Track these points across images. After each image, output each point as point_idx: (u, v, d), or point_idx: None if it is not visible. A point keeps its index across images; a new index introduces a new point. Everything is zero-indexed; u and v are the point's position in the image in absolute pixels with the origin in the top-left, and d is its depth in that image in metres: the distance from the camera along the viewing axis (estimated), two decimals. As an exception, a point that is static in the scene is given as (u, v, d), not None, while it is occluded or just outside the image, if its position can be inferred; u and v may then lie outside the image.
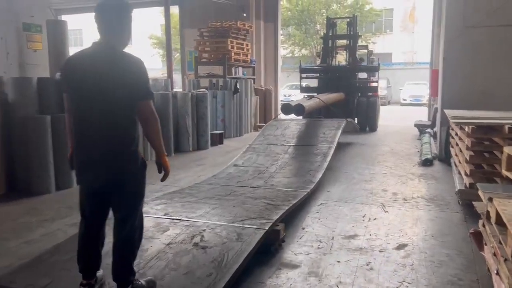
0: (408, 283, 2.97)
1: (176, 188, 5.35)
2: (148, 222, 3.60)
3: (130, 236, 2.56)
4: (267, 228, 3.45)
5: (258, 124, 12.51)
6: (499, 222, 2.40)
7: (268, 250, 3.45)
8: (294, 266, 3.27)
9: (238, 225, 3.58)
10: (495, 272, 2.58)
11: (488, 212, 2.88)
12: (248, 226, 3.54)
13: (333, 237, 3.86)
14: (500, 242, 2.44)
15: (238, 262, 2.92)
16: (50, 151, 5.38)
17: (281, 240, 3.62)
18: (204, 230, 3.51)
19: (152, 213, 3.95)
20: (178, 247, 3.22)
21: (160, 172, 2.62)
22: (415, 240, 3.78)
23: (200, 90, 9.88)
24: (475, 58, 6.90)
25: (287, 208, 4.05)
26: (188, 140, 8.61)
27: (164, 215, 3.91)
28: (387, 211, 4.61)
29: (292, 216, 4.20)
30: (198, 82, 11.51)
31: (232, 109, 10.79)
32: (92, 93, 2.42)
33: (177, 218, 3.82)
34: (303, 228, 4.10)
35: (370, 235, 3.92)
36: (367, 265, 3.27)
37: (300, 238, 3.85)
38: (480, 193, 3.20)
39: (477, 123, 4.36)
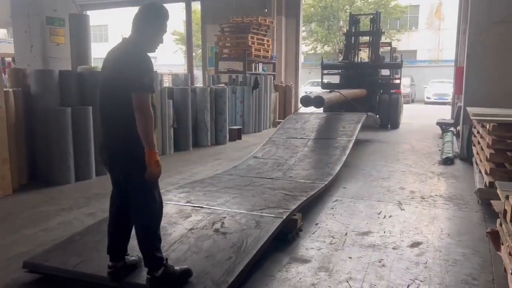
0: (421, 281, 2.91)
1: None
2: (171, 209, 3.87)
3: (144, 222, 2.60)
4: (284, 217, 3.56)
5: (277, 120, 12.47)
6: (515, 220, 2.32)
7: (285, 238, 3.56)
8: (305, 261, 3.24)
9: (257, 213, 3.71)
10: (511, 272, 2.50)
11: (505, 210, 2.80)
12: (267, 214, 3.65)
13: (346, 233, 3.82)
14: (515, 241, 2.37)
15: (256, 247, 3.03)
16: (70, 143, 5.49)
17: (298, 229, 3.74)
18: (225, 217, 3.66)
19: (175, 201, 4.15)
20: (199, 232, 3.37)
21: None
22: (430, 238, 3.70)
23: (220, 85, 9.91)
24: (501, 55, 6.69)
25: (304, 198, 4.14)
26: (207, 134, 8.66)
27: (187, 202, 4.09)
28: (404, 209, 4.53)
29: (306, 212, 4.18)
30: (218, 77, 11.55)
31: (251, 105, 10.79)
32: (104, 84, 2.66)
33: (198, 205, 3.99)
34: (317, 224, 4.07)
35: (384, 232, 3.86)
36: (379, 262, 3.22)
37: (313, 234, 3.82)
38: (498, 191, 3.11)
39: (498, 121, 4.23)
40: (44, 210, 4.49)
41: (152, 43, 2.63)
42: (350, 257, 3.31)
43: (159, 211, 2.66)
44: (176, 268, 2.65)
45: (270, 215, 3.63)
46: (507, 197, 2.60)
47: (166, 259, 2.65)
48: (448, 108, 16.73)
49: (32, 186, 5.40)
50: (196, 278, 2.67)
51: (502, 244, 2.98)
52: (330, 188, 5.18)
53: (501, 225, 3.02)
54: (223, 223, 3.54)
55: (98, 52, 37.06)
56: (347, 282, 2.90)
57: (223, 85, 10.12)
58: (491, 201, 3.33)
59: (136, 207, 2.60)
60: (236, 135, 9.63)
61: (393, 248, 3.48)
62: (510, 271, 2.49)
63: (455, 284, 2.87)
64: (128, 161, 2.54)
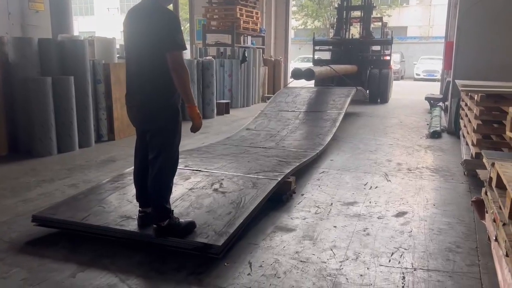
0: (405, 249, 2.90)
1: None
2: None
3: (159, 175, 2.71)
4: (279, 179, 3.74)
5: (266, 95, 12.36)
6: (500, 185, 2.28)
7: (279, 199, 3.73)
8: (289, 230, 3.21)
9: (253, 176, 3.87)
10: (494, 238, 2.49)
11: (490, 178, 2.77)
12: (262, 177, 3.82)
13: (331, 204, 3.79)
14: (500, 208, 2.34)
15: (254, 204, 3.21)
16: (51, 113, 5.34)
17: (292, 191, 3.92)
18: (223, 179, 3.83)
19: None
20: (199, 191, 3.54)
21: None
22: (416, 208, 3.69)
23: (207, 57, 9.71)
24: (491, 28, 6.62)
25: (298, 164, 4.34)
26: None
27: (185, 166, 4.18)
28: (390, 180, 4.51)
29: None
30: (206, 50, 11.31)
31: (239, 79, 10.63)
32: (130, 44, 2.73)
33: (197, 169, 4.14)
34: (302, 195, 4.03)
35: (370, 202, 3.84)
36: (364, 230, 3.20)
37: (298, 204, 3.78)
38: (484, 159, 3.08)
39: (486, 91, 4.18)
40: (24, 181, 4.37)
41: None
42: (335, 226, 3.28)
43: (176, 163, 2.84)
44: (181, 220, 2.81)
45: (266, 177, 3.80)
46: (492, 164, 2.57)
47: (172, 211, 2.80)
48: (437, 85, 16.74)
49: (12, 157, 5.26)
50: (199, 229, 2.82)
51: (487, 212, 2.97)
52: (317, 160, 5.14)
53: (486, 193, 3.00)
54: (221, 184, 3.70)
55: (84, 26, 36.21)
56: (331, 250, 2.88)
57: (210, 57, 9.92)
58: (477, 171, 3.31)
59: (158, 156, 2.69)
60: (224, 109, 9.51)
61: (378, 218, 3.46)
62: (494, 238, 2.48)
63: (439, 252, 2.86)
64: (153, 121, 2.68)
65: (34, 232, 3.09)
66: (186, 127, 2.75)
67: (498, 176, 2.27)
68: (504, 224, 2.12)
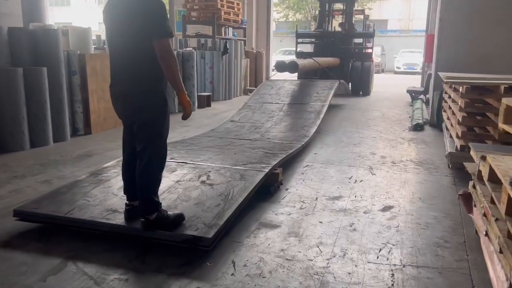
0: (392, 244, 2.82)
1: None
2: None
3: (147, 167, 2.64)
4: (267, 170, 3.73)
5: (248, 87, 12.20)
6: (493, 179, 2.21)
7: (267, 191, 3.71)
8: (274, 226, 3.10)
9: (240, 168, 3.84)
10: (484, 233, 2.42)
11: (480, 171, 2.71)
12: (250, 169, 3.79)
13: (316, 198, 3.69)
14: (492, 202, 2.28)
15: (243, 195, 3.17)
16: (23, 106, 5.09)
17: (279, 182, 3.90)
18: (210, 171, 3.78)
19: None
20: (186, 184, 3.48)
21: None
22: (402, 202, 3.63)
23: (187, 49, 9.49)
24: (473, 20, 6.62)
25: (284, 155, 4.33)
26: (174, 100, 8.30)
27: (171, 159, 4.04)
28: (374, 174, 4.45)
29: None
30: (186, 41, 11.06)
31: (221, 71, 10.43)
32: (114, 32, 2.61)
33: (183, 161, 4.07)
34: (287, 189, 3.92)
35: (355, 196, 3.76)
36: (351, 226, 3.12)
37: (282, 199, 3.67)
38: (472, 152, 3.02)
39: (471, 83, 4.14)
40: (-6, 177, 4.14)
41: None
42: (321, 222, 3.18)
43: (165, 155, 2.76)
44: (170, 213, 2.75)
45: (253, 169, 3.77)
46: (483, 158, 2.50)
47: (161, 203, 2.74)
48: (418, 78, 16.87)
49: (-18, 152, 5.00)
50: (188, 222, 2.76)
51: (475, 206, 2.91)
52: (301, 153, 5.05)
53: (474, 187, 2.95)
54: (208, 176, 3.65)
55: (60, 17, 35.24)
56: (318, 247, 2.78)
57: (190, 48, 9.69)
58: (464, 164, 3.25)
59: (146, 148, 2.62)
60: (205, 102, 9.32)
61: (364, 212, 3.38)
62: (484, 233, 2.42)
63: (427, 247, 2.79)
64: (145, 107, 2.58)
65: (3, 231, 2.90)
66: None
67: (491, 170, 2.19)
68: (496, 220, 2.05)
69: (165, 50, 2.48)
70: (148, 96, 2.58)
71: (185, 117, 2.67)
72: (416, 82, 14.84)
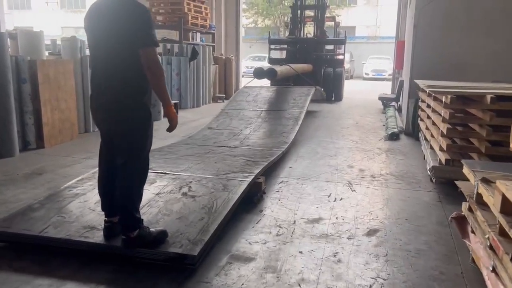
0: (383, 279, 2.47)
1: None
2: None
3: (128, 182, 2.52)
4: (250, 180, 3.60)
5: (217, 95, 11.78)
6: (506, 210, 1.89)
7: (251, 201, 3.58)
8: (248, 259, 2.69)
9: (222, 177, 3.71)
10: (490, 268, 2.11)
11: (479, 194, 2.41)
12: (232, 178, 3.67)
13: (294, 221, 3.32)
14: (501, 233, 1.96)
15: (227, 208, 3.04)
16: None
17: (262, 191, 3.81)
18: (191, 182, 3.62)
19: None
20: (167, 196, 3.31)
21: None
22: (387, 224, 3.31)
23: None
24: (448, 26, 6.48)
25: (266, 163, 4.21)
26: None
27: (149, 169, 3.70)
28: (355, 190, 4.13)
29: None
30: (151, 47, 10.53)
31: (188, 78, 9.98)
32: (96, 41, 2.47)
33: (162, 171, 3.88)
34: (261, 211, 3.53)
35: (337, 218, 3.41)
36: (334, 256, 2.76)
37: (256, 223, 3.28)
38: (466, 171, 2.73)
39: (456, 92, 3.89)
40: None
41: None
42: (301, 252, 2.81)
43: (147, 168, 2.64)
44: (152, 229, 2.60)
45: (236, 178, 3.65)
46: (485, 180, 2.19)
47: (142, 220, 2.59)
48: (386, 84, 16.93)
49: None
50: (171, 238, 2.61)
51: (472, 232, 2.61)
52: (275, 167, 4.69)
53: (470, 210, 2.65)
54: (190, 187, 3.49)
55: (20, 21, 33.77)
56: (299, 285, 2.40)
57: (156, 55, 9.18)
58: (457, 183, 2.96)
59: (127, 161, 2.49)
60: (172, 110, 8.83)
61: (348, 238, 3.03)
62: (490, 267, 2.10)
63: (422, 281, 2.46)
64: (122, 123, 2.45)
65: None
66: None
67: (504, 199, 1.87)
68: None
69: (152, 60, 2.37)
70: (132, 108, 2.45)
71: (170, 129, 2.57)
72: (384, 88, 14.85)
